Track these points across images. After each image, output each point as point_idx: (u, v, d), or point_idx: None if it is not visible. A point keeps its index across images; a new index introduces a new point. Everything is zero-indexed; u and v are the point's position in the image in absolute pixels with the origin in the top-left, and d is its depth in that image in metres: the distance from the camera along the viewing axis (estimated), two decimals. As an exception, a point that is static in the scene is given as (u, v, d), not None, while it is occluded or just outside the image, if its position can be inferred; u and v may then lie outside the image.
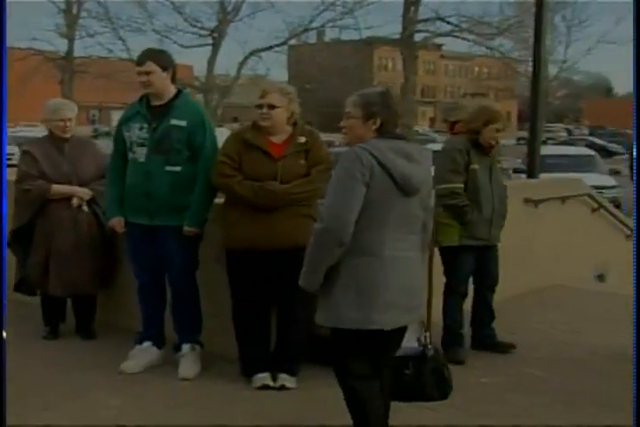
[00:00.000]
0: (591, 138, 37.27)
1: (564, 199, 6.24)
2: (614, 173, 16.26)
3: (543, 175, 8.61)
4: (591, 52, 76.08)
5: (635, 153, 2.74)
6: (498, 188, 4.46)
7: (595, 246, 6.80)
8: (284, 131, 3.83)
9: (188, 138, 3.90)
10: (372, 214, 2.67)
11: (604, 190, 11.63)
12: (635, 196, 2.55)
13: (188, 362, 4.06)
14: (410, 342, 2.89)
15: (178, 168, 3.91)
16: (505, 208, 4.52)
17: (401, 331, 2.86)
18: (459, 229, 4.33)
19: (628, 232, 7.62)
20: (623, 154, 34.55)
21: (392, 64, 61.18)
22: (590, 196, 6.79)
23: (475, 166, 4.31)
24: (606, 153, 30.70)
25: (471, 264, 4.44)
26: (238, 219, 3.79)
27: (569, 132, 49.29)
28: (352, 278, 2.70)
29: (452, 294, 4.41)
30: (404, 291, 2.74)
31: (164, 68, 3.91)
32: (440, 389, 2.96)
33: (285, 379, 3.86)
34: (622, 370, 4.18)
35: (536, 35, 7.01)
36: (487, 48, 21.57)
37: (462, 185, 4.29)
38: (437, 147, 19.56)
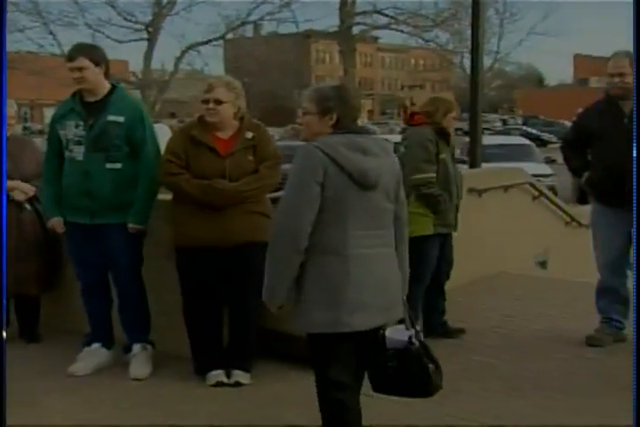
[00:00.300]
0: (525, 127, 38.04)
1: (506, 188, 6.36)
2: (549, 161, 16.62)
3: (484, 165, 8.75)
4: (522, 44, 77.84)
5: (634, 153, 2.76)
6: (458, 175, 4.60)
7: (536, 234, 6.95)
8: (231, 126, 3.78)
9: (126, 134, 3.82)
10: (331, 212, 2.60)
11: (541, 179, 11.88)
12: (635, 195, 2.56)
13: (140, 362, 3.99)
14: (399, 336, 2.74)
15: (119, 165, 3.83)
16: (461, 195, 4.69)
17: (378, 332, 2.75)
18: (432, 218, 4.42)
19: (568, 219, 7.81)
20: (557, 143, 35.47)
21: (330, 57, 61.34)
22: (531, 184, 6.93)
23: (444, 156, 4.43)
24: (540, 142, 31.41)
25: (437, 252, 4.52)
26: (188, 217, 3.74)
27: (504, 122, 50.23)
28: (317, 280, 2.63)
29: (419, 283, 4.35)
30: (375, 290, 2.65)
31: (97, 64, 3.83)
32: (423, 386, 2.76)
33: (240, 375, 3.82)
34: (568, 354, 4.31)
35: (473, 27, 7.10)
36: (423, 40, 21.79)
37: (435, 174, 4.38)
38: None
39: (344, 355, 2.72)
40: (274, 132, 36.70)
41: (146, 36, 21.69)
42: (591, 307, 4.62)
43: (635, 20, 2.54)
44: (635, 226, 2.56)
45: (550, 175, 15.08)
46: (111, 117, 3.81)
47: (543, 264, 7.18)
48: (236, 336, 3.91)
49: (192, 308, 3.88)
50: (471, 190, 5.94)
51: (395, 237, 2.78)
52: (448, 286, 4.80)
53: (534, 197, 6.96)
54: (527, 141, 17.03)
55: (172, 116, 45.02)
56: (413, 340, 2.74)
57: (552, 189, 13.01)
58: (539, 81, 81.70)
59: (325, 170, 2.58)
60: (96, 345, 4.10)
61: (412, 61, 74.85)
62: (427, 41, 21.62)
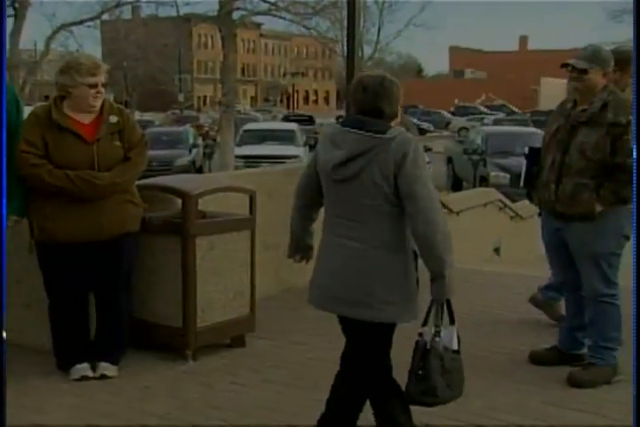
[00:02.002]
0: (405, 116, 39.02)
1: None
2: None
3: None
4: (401, 35, 79.55)
5: (635, 153, 2.83)
6: None
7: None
8: (95, 110, 3.60)
9: None
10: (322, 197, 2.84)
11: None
12: (635, 195, 2.60)
13: None
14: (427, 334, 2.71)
15: None
16: None
17: (350, 324, 2.73)
18: None
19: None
20: (434, 132, 36.61)
21: (212, 42, 60.51)
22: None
23: None
24: (419, 131, 32.31)
25: None
26: (54, 211, 3.52)
27: (384, 111, 51.11)
28: None
29: None
30: (332, 278, 2.70)
31: None
32: (423, 395, 2.70)
33: (105, 368, 3.70)
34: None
35: (349, 16, 7.15)
36: (304, 27, 21.83)
37: None
38: (257, 126, 19.71)
39: (343, 330, 2.85)
40: (154, 117, 35.69)
41: (12, 12, 20.53)
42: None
43: (635, 20, 2.59)
44: (635, 226, 2.61)
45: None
46: None
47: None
48: (104, 329, 3.79)
49: (57, 300, 3.71)
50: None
51: (414, 235, 2.61)
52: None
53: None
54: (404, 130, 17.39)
55: (46, 99, 43.17)
56: (431, 343, 2.68)
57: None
58: (418, 71, 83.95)
59: (317, 157, 2.80)
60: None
61: (295, 49, 75.08)
62: (308, 28, 21.68)
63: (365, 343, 2.77)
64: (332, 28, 26.10)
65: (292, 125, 21.29)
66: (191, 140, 19.95)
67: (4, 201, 2.48)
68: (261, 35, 73.24)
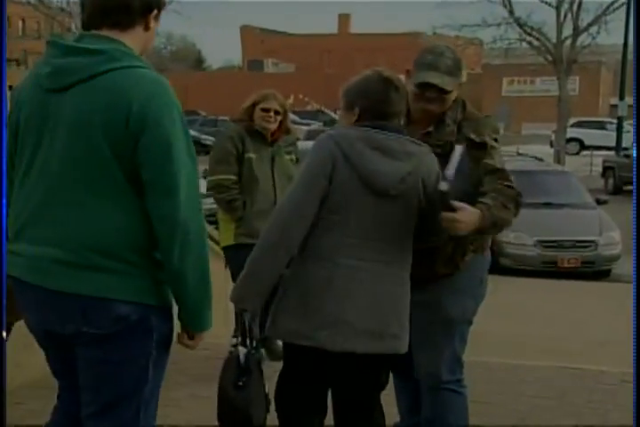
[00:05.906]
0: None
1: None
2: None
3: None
4: (170, 8, 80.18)
5: (635, 153, 3.32)
6: (282, 179, 5.29)
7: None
8: None
9: None
10: (333, 213, 3.04)
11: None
12: (634, 195, 3.13)
13: None
14: None
15: None
16: None
17: (364, 362, 3.15)
18: (234, 226, 5.14)
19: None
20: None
21: None
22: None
23: (250, 155, 5.28)
24: (201, 146, 31.91)
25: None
26: None
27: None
28: (299, 284, 3.10)
29: None
30: (360, 308, 3.04)
31: None
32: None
33: None
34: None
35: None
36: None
37: (232, 177, 5.27)
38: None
39: (307, 374, 3.28)
40: None
41: None
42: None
43: (635, 20, 3.20)
44: (634, 225, 3.07)
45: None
46: None
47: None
48: None
49: None
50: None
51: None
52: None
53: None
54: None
55: None
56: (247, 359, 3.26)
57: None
58: (197, 61, 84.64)
59: (334, 164, 3.02)
60: None
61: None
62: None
63: (374, 379, 3.32)
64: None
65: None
66: None
67: (4, 201, 2.94)
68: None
